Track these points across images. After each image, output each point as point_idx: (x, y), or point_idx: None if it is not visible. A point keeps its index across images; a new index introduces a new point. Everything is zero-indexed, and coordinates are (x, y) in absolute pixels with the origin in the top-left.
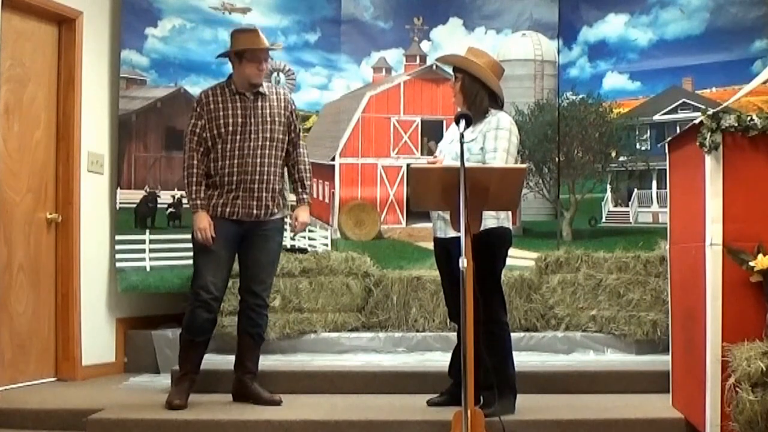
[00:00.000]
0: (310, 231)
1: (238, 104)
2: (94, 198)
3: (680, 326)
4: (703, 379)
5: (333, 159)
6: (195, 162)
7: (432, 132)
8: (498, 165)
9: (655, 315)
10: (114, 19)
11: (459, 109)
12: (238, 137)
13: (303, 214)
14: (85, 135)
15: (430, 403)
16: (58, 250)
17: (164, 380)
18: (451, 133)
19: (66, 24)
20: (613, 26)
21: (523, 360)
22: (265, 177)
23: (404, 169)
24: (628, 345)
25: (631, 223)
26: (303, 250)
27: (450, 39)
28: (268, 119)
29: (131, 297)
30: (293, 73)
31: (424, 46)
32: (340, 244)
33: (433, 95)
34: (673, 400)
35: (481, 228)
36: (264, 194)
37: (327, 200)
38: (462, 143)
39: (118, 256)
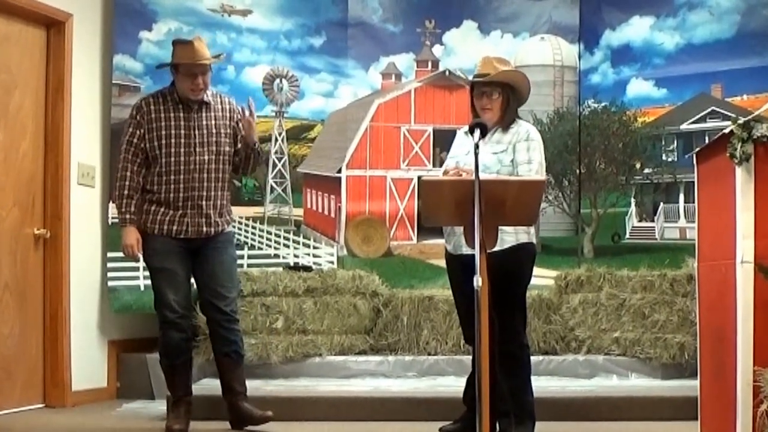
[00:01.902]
0: (314, 248)
1: (181, 114)
2: (85, 212)
3: (709, 349)
4: (734, 405)
5: (339, 171)
6: (128, 174)
7: (445, 142)
8: (539, 177)
9: (683, 337)
10: (106, 22)
11: (489, 117)
12: (182, 150)
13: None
14: (75, 145)
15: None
16: (46, 267)
17: (159, 406)
18: (465, 142)
19: (55, 27)
20: (637, 29)
21: (542, 385)
22: (213, 193)
23: (415, 181)
24: (653, 369)
25: (656, 239)
26: (307, 268)
27: (464, 43)
28: (214, 131)
29: (124, 318)
30: (297, 80)
31: (437, 50)
32: (347, 261)
33: (445, 103)
34: (701, 428)
35: (514, 242)
36: (212, 211)
37: (333, 215)
38: (477, 154)
39: (110, 274)
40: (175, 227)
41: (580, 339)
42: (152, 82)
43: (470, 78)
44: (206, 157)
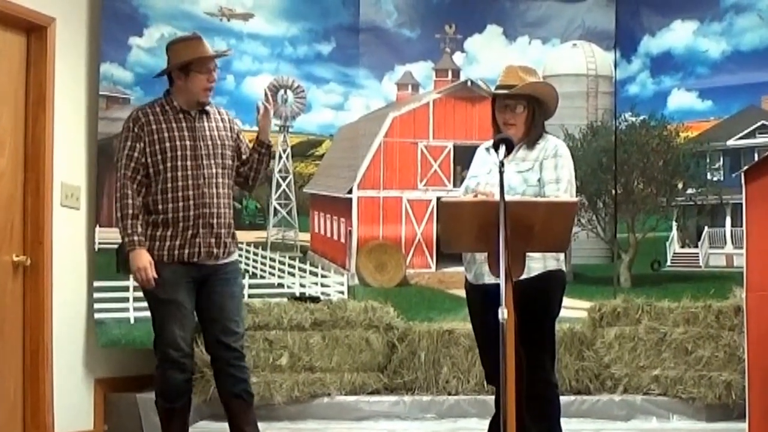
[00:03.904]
0: (323, 277)
1: (184, 124)
2: (69, 237)
3: (759, 388)
4: None
5: (350, 191)
6: (130, 192)
7: (466, 159)
8: (568, 197)
9: (729, 375)
10: (92, 27)
11: (500, 133)
12: (189, 163)
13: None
14: (58, 163)
15: None
16: (26, 298)
17: None
18: (487, 160)
19: (36, 33)
20: (679, 35)
21: (574, 428)
22: (223, 210)
23: (434, 203)
24: (697, 410)
25: (700, 266)
26: (315, 299)
27: (487, 50)
28: (219, 142)
29: (112, 353)
30: (303, 91)
31: (457, 58)
32: (359, 291)
33: (467, 116)
34: None
35: (542, 269)
36: (222, 230)
37: (343, 240)
38: (502, 173)
39: (97, 305)
40: (186, 250)
41: (616, 377)
42: (143, 93)
43: (492, 89)
44: (214, 170)
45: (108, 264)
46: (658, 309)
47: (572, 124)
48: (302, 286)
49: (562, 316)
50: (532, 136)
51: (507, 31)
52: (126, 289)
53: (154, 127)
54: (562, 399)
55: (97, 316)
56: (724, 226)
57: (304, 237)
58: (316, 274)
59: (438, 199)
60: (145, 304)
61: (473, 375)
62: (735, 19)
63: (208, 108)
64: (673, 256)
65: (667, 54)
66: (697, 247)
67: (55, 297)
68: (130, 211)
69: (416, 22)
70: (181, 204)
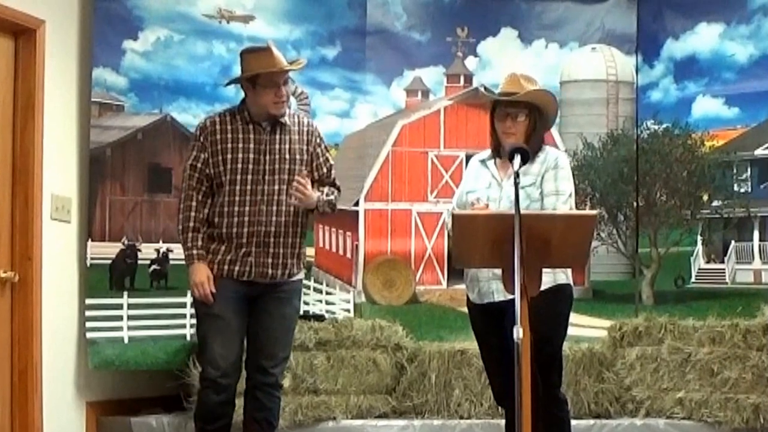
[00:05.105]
0: (328, 294)
1: (251, 136)
2: (60, 252)
3: None
4: None
5: (356, 204)
6: (193, 203)
7: None
8: (565, 210)
9: (758, 398)
10: (84, 30)
11: (511, 142)
12: (249, 177)
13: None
14: (48, 174)
15: None
16: (14, 316)
17: None
18: (483, 173)
19: (24, 36)
20: (704, 38)
21: None
22: (283, 229)
23: (445, 215)
24: None
25: (727, 283)
26: (319, 317)
27: (502, 54)
28: (287, 156)
29: (105, 375)
30: (307, 97)
31: (470, 63)
32: (366, 309)
33: (480, 124)
34: None
35: (551, 283)
36: (281, 250)
37: (349, 255)
38: (517, 184)
39: (89, 324)
40: (237, 268)
41: (637, 400)
42: (138, 100)
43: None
44: (276, 187)
45: (101, 280)
46: (682, 328)
47: (591, 132)
48: (306, 303)
49: (581, 335)
50: (532, 147)
51: (522, 34)
52: (120, 307)
53: (218, 137)
54: (581, 423)
55: (89, 335)
56: (751, 240)
57: (309, 252)
58: (320, 291)
59: (449, 211)
60: (139, 323)
61: (486, 398)
62: (763, 21)
63: (285, 119)
64: (697, 272)
65: (691, 58)
66: (723, 262)
67: (45, 315)
68: (191, 224)
69: (426, 24)
70: (235, 219)
